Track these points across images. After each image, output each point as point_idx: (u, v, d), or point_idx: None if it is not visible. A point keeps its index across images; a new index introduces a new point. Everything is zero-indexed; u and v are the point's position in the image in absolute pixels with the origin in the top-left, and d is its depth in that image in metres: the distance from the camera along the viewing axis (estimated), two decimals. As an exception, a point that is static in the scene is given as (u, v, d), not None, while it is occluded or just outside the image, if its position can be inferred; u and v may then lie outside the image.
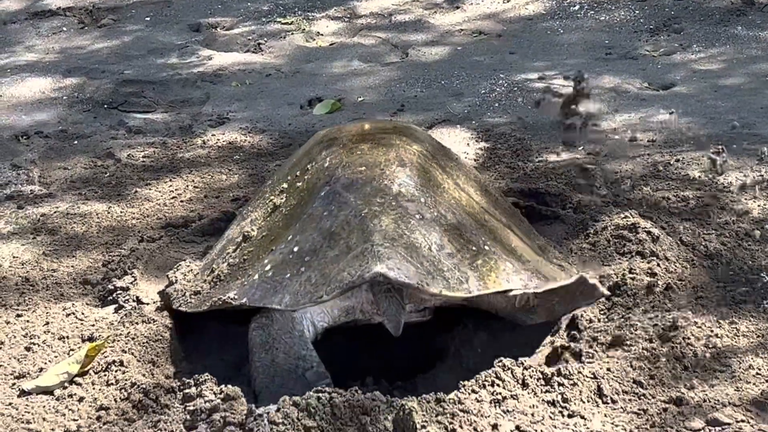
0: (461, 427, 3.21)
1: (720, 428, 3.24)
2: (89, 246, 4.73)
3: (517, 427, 3.27)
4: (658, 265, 4.12)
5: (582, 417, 3.33)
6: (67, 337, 3.91)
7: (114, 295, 4.17)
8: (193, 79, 7.43)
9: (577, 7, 8.63)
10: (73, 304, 4.15)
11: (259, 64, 7.82)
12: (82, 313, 4.07)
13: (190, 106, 6.95)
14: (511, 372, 3.50)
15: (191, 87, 7.29)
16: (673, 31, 8.01)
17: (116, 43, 8.44)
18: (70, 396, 3.53)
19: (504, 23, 8.54)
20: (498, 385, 3.44)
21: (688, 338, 3.65)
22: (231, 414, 3.24)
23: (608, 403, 3.40)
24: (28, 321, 4.05)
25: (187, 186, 5.43)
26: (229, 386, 3.40)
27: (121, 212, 5.10)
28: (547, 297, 3.81)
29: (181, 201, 5.24)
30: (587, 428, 3.28)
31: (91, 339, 3.87)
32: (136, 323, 3.87)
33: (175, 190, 5.38)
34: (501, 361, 3.59)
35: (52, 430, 3.38)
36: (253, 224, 4.02)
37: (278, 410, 3.21)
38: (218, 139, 6.19)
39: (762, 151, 5.44)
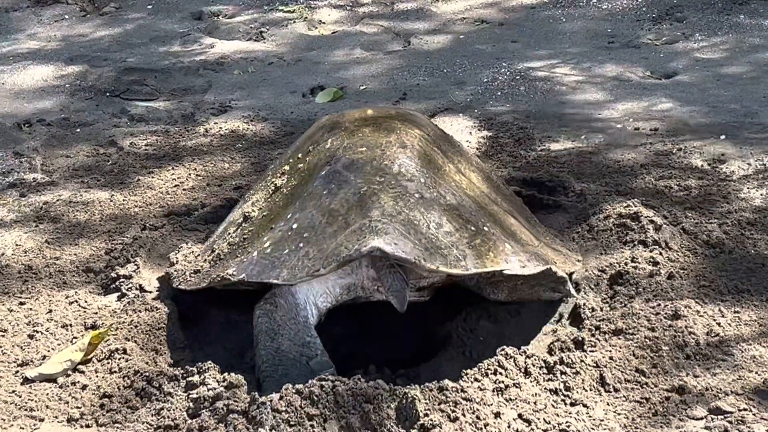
0: (464, 415, 3.22)
1: (722, 417, 3.25)
2: (92, 234, 4.73)
3: (520, 416, 3.28)
4: (661, 253, 4.12)
5: (584, 405, 3.34)
6: (70, 324, 3.91)
7: (117, 283, 4.17)
8: (195, 67, 7.44)
9: (579, -4, 8.65)
10: (76, 292, 4.15)
11: (262, 53, 7.82)
12: (85, 301, 4.07)
13: (192, 94, 6.95)
14: (514, 360, 3.51)
15: (193, 75, 7.29)
16: (675, 20, 8.01)
17: (118, 31, 8.45)
18: (73, 384, 3.54)
19: (506, 12, 8.55)
20: (501, 373, 3.45)
21: (691, 327, 3.65)
22: (234, 402, 3.24)
23: (611, 392, 3.41)
24: (31, 309, 4.05)
25: (190, 174, 5.43)
26: (232, 374, 3.40)
27: (123, 200, 5.10)
28: (512, 278, 3.81)
29: (184, 189, 5.24)
30: (589, 416, 3.29)
31: (94, 327, 3.87)
32: (139, 311, 3.88)
33: (178, 178, 5.39)
34: (504, 349, 3.59)
35: (56, 417, 3.39)
36: (255, 205, 4.04)
37: (281, 398, 3.21)
38: (221, 128, 6.20)
39: None
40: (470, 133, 5.87)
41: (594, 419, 3.27)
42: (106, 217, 4.92)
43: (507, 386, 3.39)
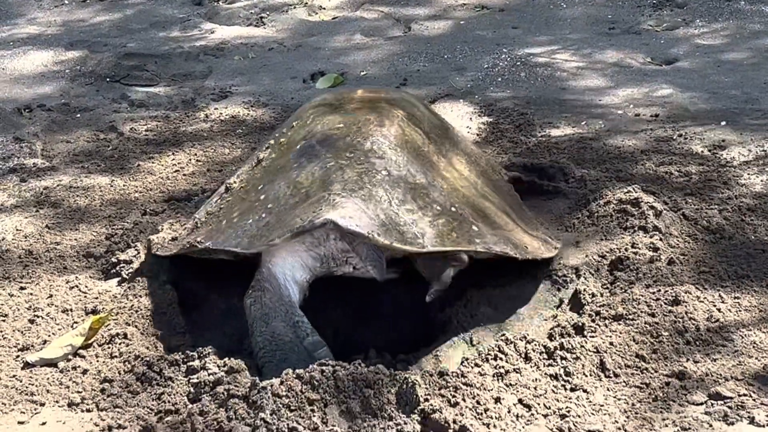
0: (464, 400, 3.23)
1: (722, 402, 3.25)
2: (92, 219, 4.73)
3: (520, 401, 3.29)
4: (661, 239, 4.12)
5: (584, 390, 3.34)
6: (71, 309, 3.92)
7: (117, 268, 4.17)
8: (195, 52, 7.43)
9: (580, -18, 8.63)
10: (76, 277, 4.15)
11: (262, 38, 7.81)
12: (86, 286, 4.07)
13: (192, 79, 6.94)
14: (514, 346, 3.52)
15: (194, 60, 7.29)
16: (676, 6, 8.00)
17: (118, 16, 8.43)
18: (74, 368, 3.54)
19: (507, -3, 8.54)
20: (501, 358, 3.46)
21: (691, 312, 3.66)
22: (234, 387, 3.25)
23: (611, 377, 3.41)
24: (31, 294, 4.05)
25: (190, 160, 5.43)
26: (233, 359, 3.41)
27: (123, 186, 5.10)
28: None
29: (184, 174, 5.24)
30: (590, 402, 3.29)
31: (94, 312, 3.87)
32: (140, 296, 3.88)
33: (178, 163, 5.39)
34: (504, 334, 3.60)
35: (56, 402, 3.39)
36: (238, 177, 4.10)
37: (282, 383, 3.22)
38: (221, 113, 6.20)
39: None
40: (470, 119, 5.87)
41: (594, 404, 3.28)
42: (106, 202, 4.92)
43: (507, 371, 3.40)
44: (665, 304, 3.69)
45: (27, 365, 3.59)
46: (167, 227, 4.25)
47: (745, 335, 3.58)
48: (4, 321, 3.85)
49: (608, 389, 3.36)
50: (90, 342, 3.67)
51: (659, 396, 3.30)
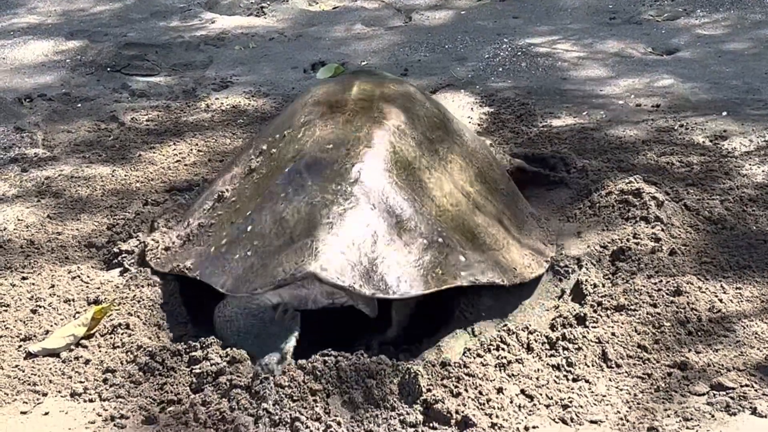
0: (466, 390, 3.23)
1: (724, 392, 3.26)
2: (94, 209, 4.73)
3: (522, 391, 3.29)
4: (663, 230, 4.13)
5: (587, 381, 3.35)
6: (73, 299, 3.91)
7: (119, 258, 4.17)
8: (196, 42, 7.42)
9: (581, -28, 8.62)
10: (78, 267, 4.15)
11: (262, 28, 7.80)
12: (88, 276, 4.07)
13: (193, 69, 6.94)
14: (516, 336, 3.52)
15: (194, 50, 7.28)
16: (677, -4, 8.00)
17: (118, 6, 8.42)
18: (77, 358, 3.54)
19: (507, -13, 8.53)
20: (503, 349, 3.46)
21: (693, 303, 3.66)
22: (237, 377, 3.26)
23: (613, 368, 3.42)
24: (33, 284, 4.05)
25: (191, 150, 5.43)
26: (235, 349, 3.41)
27: (125, 176, 5.10)
28: None
29: (185, 165, 5.23)
30: (592, 392, 3.30)
31: (96, 302, 3.87)
32: (142, 286, 3.88)
33: (179, 153, 5.38)
34: (506, 325, 3.61)
35: (59, 392, 3.39)
36: (232, 182, 4.07)
37: (284, 373, 3.23)
38: (222, 103, 6.19)
39: None
40: (472, 109, 5.87)
41: (596, 395, 3.29)
42: (107, 192, 4.92)
43: (509, 362, 3.40)
44: (667, 294, 3.70)
45: (29, 355, 3.59)
46: (162, 224, 4.25)
47: (747, 326, 3.58)
48: (6, 311, 3.85)
49: (610, 380, 3.36)
50: (92, 332, 3.67)
51: (661, 386, 3.31)
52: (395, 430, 3.11)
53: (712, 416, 3.17)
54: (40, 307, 3.86)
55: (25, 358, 3.57)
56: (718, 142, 5.23)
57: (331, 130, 3.94)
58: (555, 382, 3.35)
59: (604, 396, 3.28)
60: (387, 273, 3.47)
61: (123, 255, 4.17)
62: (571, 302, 3.82)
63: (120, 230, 4.41)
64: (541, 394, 3.28)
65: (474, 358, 3.40)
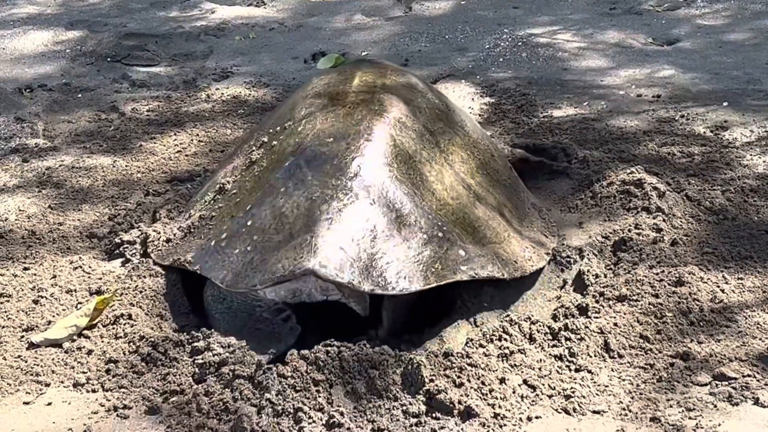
0: (469, 381, 3.23)
1: (726, 383, 3.26)
2: (95, 199, 4.72)
3: (525, 381, 3.29)
4: (664, 220, 4.13)
5: (589, 371, 3.35)
6: (75, 290, 3.91)
7: (121, 248, 4.16)
8: (196, 32, 7.42)
9: (581, -38, 8.61)
10: (80, 257, 4.15)
11: (262, 18, 7.80)
12: (90, 267, 4.07)
13: (193, 59, 6.93)
14: (519, 327, 3.52)
15: (194, 40, 7.28)
16: (677, -14, 8.00)
17: (118, -4, 8.43)
18: (79, 349, 3.54)
19: (508, -23, 8.52)
20: (505, 339, 3.46)
21: (694, 293, 3.66)
22: (240, 367, 3.25)
23: (615, 358, 3.42)
24: (35, 274, 4.05)
25: (192, 140, 5.43)
26: (237, 339, 3.40)
27: (126, 166, 5.10)
28: None
29: (186, 155, 5.23)
30: (594, 382, 3.30)
31: (98, 292, 3.87)
32: (144, 277, 3.88)
33: (180, 144, 5.38)
34: (508, 315, 3.61)
35: (61, 382, 3.39)
36: (233, 174, 4.06)
37: (287, 364, 3.23)
38: (222, 93, 6.19)
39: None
40: (472, 99, 5.87)
41: (599, 385, 3.29)
42: (108, 182, 4.92)
43: (512, 352, 3.40)
44: (669, 284, 3.70)
45: (32, 346, 3.58)
46: (164, 214, 4.25)
47: (749, 316, 3.59)
48: (8, 301, 3.85)
49: (613, 370, 3.36)
50: (95, 323, 3.67)
51: (664, 377, 3.31)
52: (398, 420, 3.11)
53: (715, 406, 3.17)
54: (42, 297, 3.86)
55: (27, 349, 3.57)
56: (719, 132, 5.23)
57: (331, 122, 3.93)
58: (557, 372, 3.35)
59: (607, 386, 3.28)
60: (386, 269, 3.47)
61: (125, 245, 4.17)
62: (573, 293, 3.82)
63: (121, 220, 4.40)
64: (543, 385, 3.29)
65: (476, 348, 3.40)
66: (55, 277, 4.01)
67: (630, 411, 3.17)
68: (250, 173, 3.97)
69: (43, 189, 4.86)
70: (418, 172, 3.81)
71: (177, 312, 3.74)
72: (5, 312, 3.77)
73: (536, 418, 3.16)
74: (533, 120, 5.50)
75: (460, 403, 3.14)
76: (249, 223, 3.68)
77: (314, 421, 3.08)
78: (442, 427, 3.08)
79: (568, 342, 3.47)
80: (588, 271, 3.87)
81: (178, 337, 3.50)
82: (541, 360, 3.40)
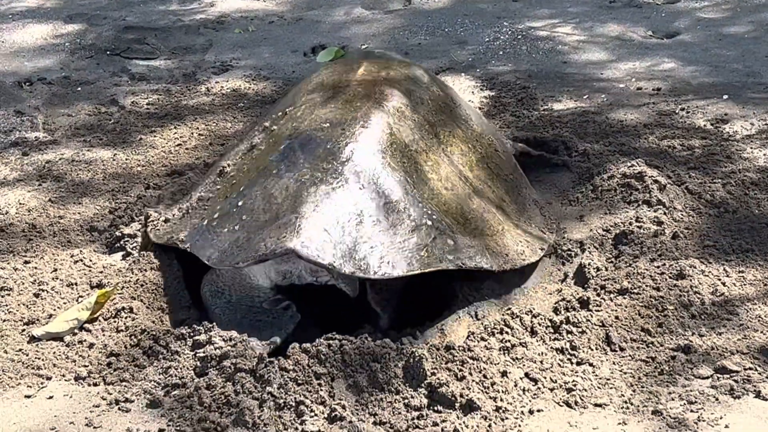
0: (471, 374, 3.23)
1: (728, 376, 3.26)
2: (95, 193, 4.72)
3: (526, 375, 3.29)
4: (665, 213, 4.13)
5: (590, 364, 3.35)
6: (76, 283, 3.91)
7: (121, 242, 4.17)
8: (195, 25, 7.41)
9: (580, -45, 8.60)
10: (80, 250, 4.15)
11: (262, 11, 7.79)
12: (90, 260, 4.07)
13: (193, 53, 6.93)
14: (520, 320, 3.52)
15: (194, 34, 7.27)
16: (677, -21, 7.99)
17: (117, -11, 8.42)
18: (80, 342, 3.54)
19: (507, -30, 8.51)
20: (507, 332, 3.46)
21: (696, 286, 3.66)
22: (241, 360, 3.25)
23: (616, 351, 3.42)
24: (36, 268, 4.05)
25: (192, 133, 5.42)
26: (239, 333, 3.40)
27: (126, 159, 5.10)
28: None
29: (186, 148, 5.23)
30: (596, 375, 3.30)
31: (99, 286, 3.87)
32: (145, 270, 3.87)
33: (180, 137, 5.38)
34: (509, 308, 3.60)
35: (63, 376, 3.39)
36: (234, 158, 4.07)
37: (289, 357, 3.22)
38: (222, 87, 6.18)
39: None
40: (472, 92, 5.86)
41: (600, 378, 3.29)
42: (109, 176, 4.91)
43: (513, 345, 3.41)
44: (670, 278, 3.70)
45: (33, 339, 3.58)
46: (168, 197, 4.32)
47: (750, 309, 3.59)
48: (9, 295, 3.85)
49: (614, 363, 3.37)
50: (96, 316, 3.67)
51: (665, 370, 3.31)
52: (400, 413, 3.11)
53: (716, 399, 3.17)
54: (43, 291, 3.85)
55: (28, 342, 3.57)
56: (720, 125, 5.23)
57: (330, 109, 3.93)
58: (559, 365, 3.35)
59: (608, 379, 3.28)
60: (370, 253, 3.45)
61: (125, 239, 4.17)
62: (574, 286, 3.82)
63: (122, 214, 4.41)
64: (545, 378, 3.29)
65: (478, 341, 3.41)
66: (55, 270, 4.01)
67: (632, 404, 3.18)
68: (248, 156, 3.98)
69: (43, 182, 4.86)
70: (413, 161, 3.80)
71: (178, 305, 3.74)
72: (6, 305, 3.77)
73: (538, 411, 3.17)
74: (533, 113, 5.50)
75: (461, 396, 3.14)
76: (240, 203, 3.68)
77: (316, 415, 3.08)
78: (443, 421, 3.08)
79: (569, 335, 3.48)
80: (589, 264, 3.87)
81: (180, 330, 3.49)
82: (542, 353, 3.40)
